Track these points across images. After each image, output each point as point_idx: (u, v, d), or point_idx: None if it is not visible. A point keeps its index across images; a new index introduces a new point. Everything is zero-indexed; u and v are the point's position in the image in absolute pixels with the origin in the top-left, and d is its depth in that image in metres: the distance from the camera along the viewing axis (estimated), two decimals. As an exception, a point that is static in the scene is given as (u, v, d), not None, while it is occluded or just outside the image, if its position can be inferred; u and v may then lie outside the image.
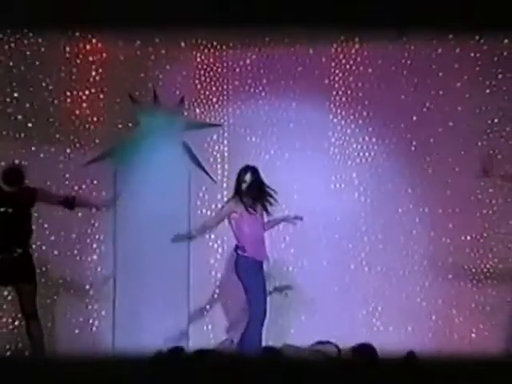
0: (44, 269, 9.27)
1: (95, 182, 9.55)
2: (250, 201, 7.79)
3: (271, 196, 7.83)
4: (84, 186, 9.53)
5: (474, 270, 9.19)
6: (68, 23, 9.25)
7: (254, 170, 7.86)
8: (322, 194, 9.44)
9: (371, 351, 7.53)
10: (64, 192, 9.24)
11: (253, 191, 7.79)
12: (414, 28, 9.07)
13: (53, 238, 9.44)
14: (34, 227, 8.75)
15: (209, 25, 9.12)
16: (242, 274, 7.70)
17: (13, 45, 9.51)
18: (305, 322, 9.26)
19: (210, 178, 9.77)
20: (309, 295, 9.36)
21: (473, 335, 9.17)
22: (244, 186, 7.79)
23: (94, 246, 9.54)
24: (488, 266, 9.22)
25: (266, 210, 7.83)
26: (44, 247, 9.31)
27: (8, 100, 9.41)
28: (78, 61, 9.77)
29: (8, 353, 8.46)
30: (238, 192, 7.79)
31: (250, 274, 7.69)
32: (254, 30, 9.42)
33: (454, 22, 8.81)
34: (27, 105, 9.47)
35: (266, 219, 7.91)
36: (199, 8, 8.54)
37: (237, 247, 7.72)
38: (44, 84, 9.57)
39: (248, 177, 7.79)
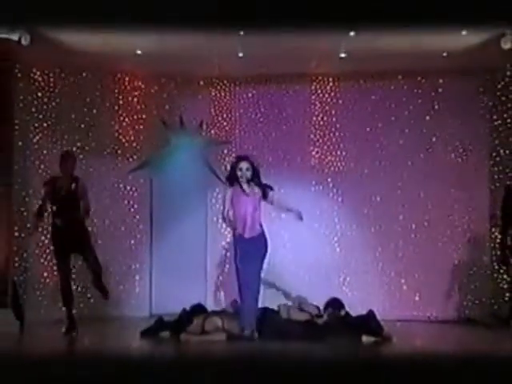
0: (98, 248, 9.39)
1: (136, 184, 9.95)
2: (245, 185, 7.27)
3: (261, 183, 7.31)
4: (128, 187, 9.94)
5: (417, 250, 9.64)
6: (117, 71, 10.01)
7: (248, 159, 7.35)
8: (305, 194, 9.69)
9: (339, 303, 7.98)
10: (112, 192, 9.88)
11: (248, 179, 7.27)
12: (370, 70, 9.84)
13: (105, 226, 9.80)
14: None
15: (221, 68, 9.85)
16: (234, 247, 7.41)
17: (77, 84, 9.89)
18: (293, 290, 9.29)
19: (222, 181, 9.37)
20: (295, 270, 9.67)
21: (416, 298, 9.63)
22: (239, 173, 7.25)
23: (134, 232, 9.93)
24: (428, 248, 9.64)
25: (265, 194, 7.28)
26: (99, 233, 9.62)
27: (74, 124, 9.86)
28: (124, 95, 10.15)
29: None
30: (234, 177, 7.31)
31: (236, 247, 7.33)
32: (254, 70, 9.89)
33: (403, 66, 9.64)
34: (86, 128, 9.93)
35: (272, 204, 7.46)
36: (216, 57, 9.33)
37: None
38: (99, 112, 10.02)
39: (244, 164, 7.27)
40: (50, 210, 8.13)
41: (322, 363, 4.98)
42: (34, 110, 9.64)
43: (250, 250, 7.19)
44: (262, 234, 7.31)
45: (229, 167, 9.73)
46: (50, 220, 8.18)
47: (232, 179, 7.31)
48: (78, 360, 6.14)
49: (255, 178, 7.26)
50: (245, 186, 7.26)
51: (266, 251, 7.32)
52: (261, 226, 7.33)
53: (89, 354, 6.95)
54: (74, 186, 7.89)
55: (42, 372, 5.12)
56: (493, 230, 9.65)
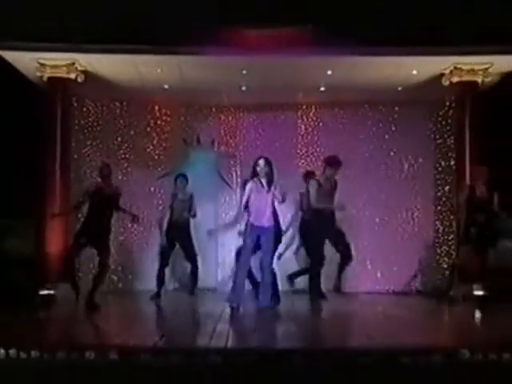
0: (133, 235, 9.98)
1: (163, 187, 10.02)
2: (263, 181, 6.84)
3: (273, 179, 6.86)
4: (157, 190, 10.13)
5: (379, 239, 9.90)
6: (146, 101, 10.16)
7: (266, 159, 6.91)
8: (293, 196, 9.08)
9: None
10: (145, 193, 10.05)
11: (266, 173, 6.82)
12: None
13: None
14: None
15: (229, 99, 10.14)
16: (249, 234, 6.92)
17: (118, 111, 10.21)
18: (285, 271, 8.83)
19: (229, 186, 10.17)
20: (288, 254, 9.31)
21: (378, 275, 9.91)
22: (258, 169, 6.81)
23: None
24: (388, 237, 9.89)
25: (269, 187, 6.81)
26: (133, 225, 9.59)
27: (116, 142, 10.20)
28: (154, 120, 10.32)
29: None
30: (254, 174, 6.85)
31: (248, 233, 6.92)
32: (254, 100, 10.09)
33: (368, 97, 9.95)
34: (125, 145, 10.22)
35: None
36: (224, 90, 9.62)
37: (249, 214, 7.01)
38: (135, 133, 10.26)
39: (261, 162, 6.82)
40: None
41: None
42: (85, 131, 9.96)
43: (266, 238, 6.87)
44: (277, 225, 7.08)
45: (235, 175, 9.93)
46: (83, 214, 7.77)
47: (253, 176, 6.90)
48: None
49: (270, 174, 6.86)
50: (263, 182, 6.86)
51: (279, 239, 7.14)
52: (275, 217, 7.03)
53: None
54: (114, 194, 7.50)
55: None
56: (436, 223, 9.98)
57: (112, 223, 7.60)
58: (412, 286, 9.86)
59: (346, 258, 8.05)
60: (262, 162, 6.88)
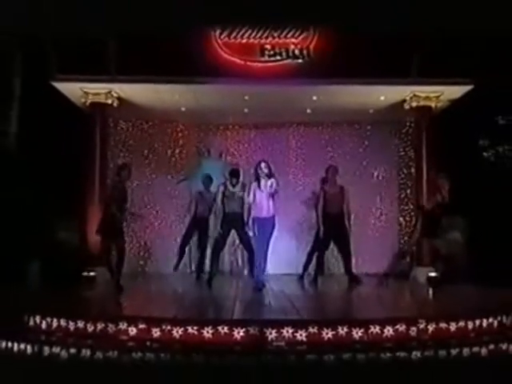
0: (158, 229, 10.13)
1: (180, 190, 10.14)
2: (263, 180, 6.88)
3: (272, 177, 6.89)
4: (177, 192, 10.19)
5: (354, 231, 9.14)
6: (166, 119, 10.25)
7: (266, 162, 7.02)
8: (284, 197, 9.19)
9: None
10: (167, 194, 10.09)
11: (266, 175, 6.86)
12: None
13: (162, 217, 10.03)
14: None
15: (233, 119, 10.24)
16: (253, 223, 7.04)
17: (145, 129, 10.23)
18: (276, 256, 8.34)
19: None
20: (285, 246, 9.49)
21: (354, 261, 9.35)
22: (260, 171, 6.89)
23: (180, 220, 9.74)
24: (362, 230, 9.57)
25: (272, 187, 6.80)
26: (157, 220, 10.05)
27: (143, 153, 10.29)
28: (173, 135, 10.40)
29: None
30: (256, 175, 6.93)
31: (255, 224, 6.97)
32: (254, 120, 10.16)
33: (346, 118, 10.04)
34: (150, 156, 10.34)
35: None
36: (230, 112, 9.70)
37: None
38: (158, 146, 10.36)
39: (263, 165, 6.89)
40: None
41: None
42: (119, 145, 10.19)
43: (264, 226, 6.94)
44: (273, 216, 7.07)
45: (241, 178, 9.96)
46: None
47: (255, 175, 7.03)
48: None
49: (270, 174, 6.95)
50: (263, 181, 6.97)
51: (274, 228, 7.03)
52: (273, 209, 7.02)
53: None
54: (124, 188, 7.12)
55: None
56: (400, 219, 10.18)
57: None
58: (380, 269, 9.51)
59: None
60: (263, 164, 7.06)
